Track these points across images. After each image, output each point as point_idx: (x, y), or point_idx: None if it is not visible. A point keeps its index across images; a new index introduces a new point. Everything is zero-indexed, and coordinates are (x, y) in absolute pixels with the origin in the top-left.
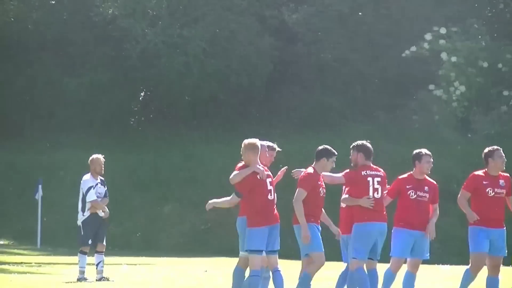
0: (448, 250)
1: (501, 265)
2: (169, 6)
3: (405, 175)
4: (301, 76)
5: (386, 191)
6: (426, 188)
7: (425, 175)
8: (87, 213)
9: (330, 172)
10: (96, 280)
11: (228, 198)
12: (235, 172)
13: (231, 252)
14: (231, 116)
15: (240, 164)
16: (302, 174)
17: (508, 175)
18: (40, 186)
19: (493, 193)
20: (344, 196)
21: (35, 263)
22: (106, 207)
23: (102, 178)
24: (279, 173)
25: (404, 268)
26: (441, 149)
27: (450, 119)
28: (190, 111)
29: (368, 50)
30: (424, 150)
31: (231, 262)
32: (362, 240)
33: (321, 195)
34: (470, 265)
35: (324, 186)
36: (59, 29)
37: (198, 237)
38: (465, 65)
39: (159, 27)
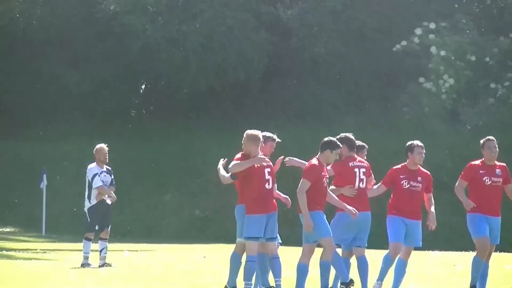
0: (438, 237)
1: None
2: (169, 3)
3: (399, 166)
4: (296, 70)
5: (374, 182)
6: (419, 178)
7: (419, 166)
8: (93, 201)
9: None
10: (99, 266)
11: (226, 175)
12: (235, 162)
13: (229, 239)
14: (228, 108)
15: (238, 155)
16: (306, 165)
17: (505, 164)
18: (44, 176)
19: (490, 182)
20: (332, 187)
21: (40, 249)
22: (113, 192)
23: (109, 168)
24: (276, 162)
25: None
26: (431, 140)
27: (440, 111)
28: (189, 103)
29: (360, 44)
30: (416, 142)
31: (228, 248)
32: (342, 228)
33: (325, 185)
34: (476, 252)
35: (327, 177)
36: (63, 25)
37: (196, 224)
38: (454, 59)
39: (158, 23)
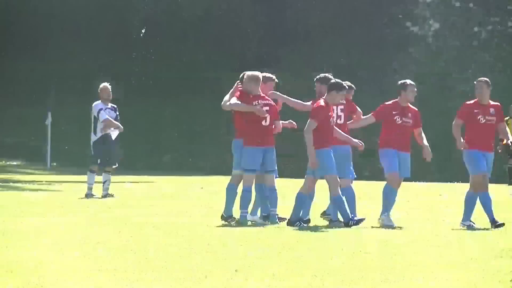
0: (424, 169)
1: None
2: None
3: (390, 102)
4: (290, 41)
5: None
6: (409, 114)
7: (408, 103)
8: (99, 134)
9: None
10: (102, 196)
11: (228, 103)
12: (237, 102)
13: (224, 171)
14: (224, 77)
15: (237, 93)
16: (314, 106)
17: (499, 103)
18: (49, 113)
19: (484, 120)
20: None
21: (45, 181)
22: (119, 124)
23: (114, 106)
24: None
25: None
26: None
27: (426, 78)
28: (187, 71)
29: (352, 16)
30: (408, 81)
31: (224, 180)
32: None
33: (332, 124)
34: (470, 187)
35: (333, 116)
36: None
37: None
38: (439, 5)
39: None
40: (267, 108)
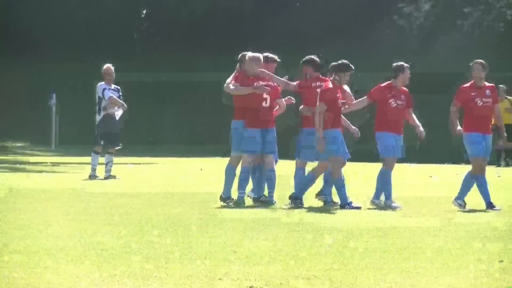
0: (416, 150)
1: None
2: None
3: (384, 84)
4: (285, 3)
5: (352, 99)
6: (402, 96)
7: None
8: (102, 113)
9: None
10: (104, 178)
11: (230, 88)
12: (236, 87)
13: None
14: (223, 32)
15: (233, 75)
16: (322, 88)
17: (493, 85)
18: (54, 95)
19: (481, 102)
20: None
21: (50, 162)
22: (123, 103)
23: (118, 87)
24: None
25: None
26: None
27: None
28: (187, 28)
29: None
30: (405, 63)
31: (223, 162)
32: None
33: (339, 105)
34: (471, 169)
35: (341, 98)
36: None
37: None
38: None
39: None
40: (269, 88)
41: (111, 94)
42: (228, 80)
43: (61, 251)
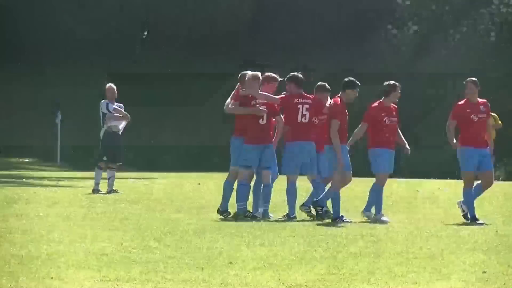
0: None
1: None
2: None
3: (376, 104)
4: (279, 21)
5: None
6: (394, 113)
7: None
8: (105, 127)
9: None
10: (107, 192)
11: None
12: (236, 107)
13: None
14: (221, 53)
15: (236, 96)
16: (331, 104)
17: (486, 100)
18: (59, 112)
19: (477, 118)
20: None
21: (55, 177)
22: (127, 114)
23: (120, 104)
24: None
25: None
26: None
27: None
28: (186, 49)
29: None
30: (396, 83)
31: (221, 177)
32: (292, 158)
33: (346, 120)
34: (464, 184)
35: (347, 114)
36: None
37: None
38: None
39: None
40: (264, 107)
41: (116, 106)
42: (228, 101)
43: (62, 257)
